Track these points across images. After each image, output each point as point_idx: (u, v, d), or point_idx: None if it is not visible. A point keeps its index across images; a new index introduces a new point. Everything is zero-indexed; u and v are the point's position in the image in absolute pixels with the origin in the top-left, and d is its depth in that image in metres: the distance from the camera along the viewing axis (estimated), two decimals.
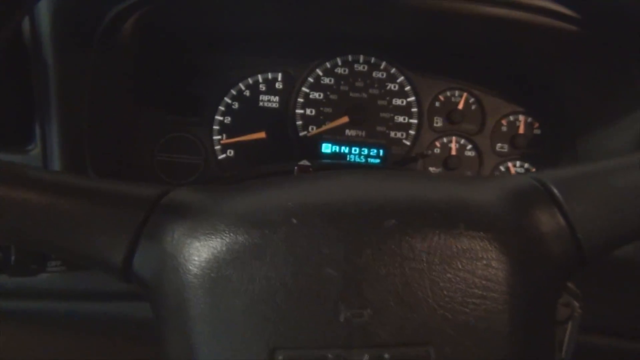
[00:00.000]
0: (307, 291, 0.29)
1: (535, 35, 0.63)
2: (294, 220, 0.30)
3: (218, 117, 0.75)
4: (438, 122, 0.76)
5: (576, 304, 0.51)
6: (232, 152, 0.75)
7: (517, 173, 0.33)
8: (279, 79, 0.76)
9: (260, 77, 0.76)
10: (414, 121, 0.76)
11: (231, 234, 0.30)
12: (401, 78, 0.76)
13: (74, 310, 0.56)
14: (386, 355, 0.29)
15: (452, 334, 0.29)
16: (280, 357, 0.29)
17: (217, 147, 0.75)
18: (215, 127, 0.75)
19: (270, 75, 0.76)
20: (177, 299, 0.31)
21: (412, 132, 0.76)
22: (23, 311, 0.56)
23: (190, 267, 0.30)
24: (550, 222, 0.32)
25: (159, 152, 0.74)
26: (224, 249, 0.30)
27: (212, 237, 0.31)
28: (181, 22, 0.67)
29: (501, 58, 0.73)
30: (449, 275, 0.29)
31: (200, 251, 0.30)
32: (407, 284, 0.29)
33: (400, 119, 0.76)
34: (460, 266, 0.30)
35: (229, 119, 0.75)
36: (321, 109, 0.76)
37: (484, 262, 0.30)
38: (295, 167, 0.53)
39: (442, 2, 0.62)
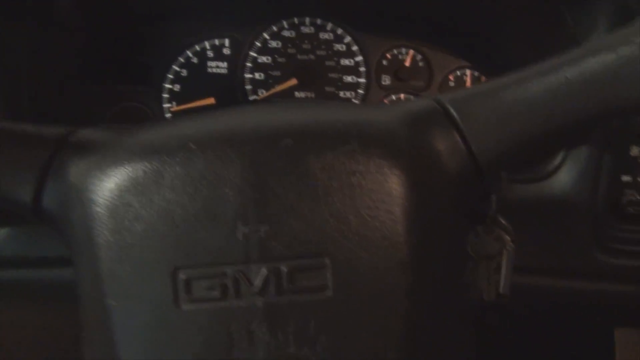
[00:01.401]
0: (204, 211, 0.30)
1: None
2: (192, 145, 0.31)
3: (167, 85, 0.75)
4: (386, 80, 0.77)
5: (507, 237, 0.53)
6: None
7: (419, 98, 0.34)
8: (226, 44, 0.76)
9: (207, 44, 0.76)
10: (362, 80, 0.77)
11: (132, 163, 0.31)
12: (348, 38, 0.77)
13: (20, 278, 0.57)
14: (283, 268, 0.30)
15: (347, 245, 0.30)
16: (182, 276, 0.30)
17: (168, 115, 0.75)
18: (165, 95, 0.75)
19: (217, 41, 0.76)
20: (84, 230, 0.32)
21: (360, 91, 0.77)
22: None
23: (94, 198, 0.31)
24: (446, 139, 0.33)
25: (110, 122, 0.74)
26: (124, 177, 0.31)
27: (114, 167, 0.31)
28: None
29: (445, 13, 0.74)
30: (343, 190, 0.30)
31: (103, 182, 0.31)
32: (302, 199, 0.30)
33: (349, 78, 0.77)
34: (353, 181, 0.31)
35: (178, 86, 0.76)
36: (270, 72, 0.76)
37: (377, 176, 0.31)
38: None
39: None
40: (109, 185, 0.31)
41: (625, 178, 0.62)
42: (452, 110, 0.33)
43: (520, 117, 0.32)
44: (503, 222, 0.52)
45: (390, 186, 0.31)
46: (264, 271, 0.30)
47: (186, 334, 0.30)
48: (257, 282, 0.30)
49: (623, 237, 0.63)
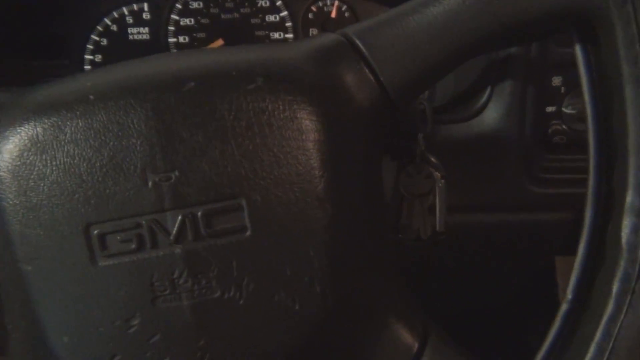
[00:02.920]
0: (111, 163, 0.29)
1: None
2: (91, 97, 0.30)
3: (88, 57, 0.72)
4: (314, 33, 0.76)
5: (438, 174, 0.54)
6: None
7: (324, 32, 0.33)
8: (145, 9, 0.73)
9: (125, 10, 0.73)
10: (290, 36, 0.76)
11: (30, 121, 0.30)
12: None
13: None
14: (199, 213, 0.30)
15: (261, 184, 0.30)
16: (95, 232, 0.29)
17: None
18: (87, 67, 0.72)
19: (135, 7, 0.73)
20: None
21: None
22: None
23: None
24: (354, 71, 0.33)
25: None
26: (23, 136, 0.30)
27: (12, 127, 0.30)
28: None
29: None
30: (252, 129, 0.30)
31: (3, 144, 0.30)
32: (211, 142, 0.30)
33: (276, 35, 0.76)
34: (262, 120, 0.30)
35: (100, 57, 0.73)
36: (194, 35, 0.74)
37: (287, 113, 0.30)
38: None
39: None
40: (8, 147, 0.30)
41: (550, 109, 0.63)
42: (358, 42, 0.33)
43: (423, 43, 0.33)
44: (433, 159, 0.53)
45: (301, 122, 0.31)
46: (179, 218, 0.29)
47: (107, 291, 0.29)
48: (174, 229, 0.29)
49: (552, 166, 0.65)
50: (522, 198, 0.65)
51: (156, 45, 0.74)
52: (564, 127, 0.64)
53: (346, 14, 0.76)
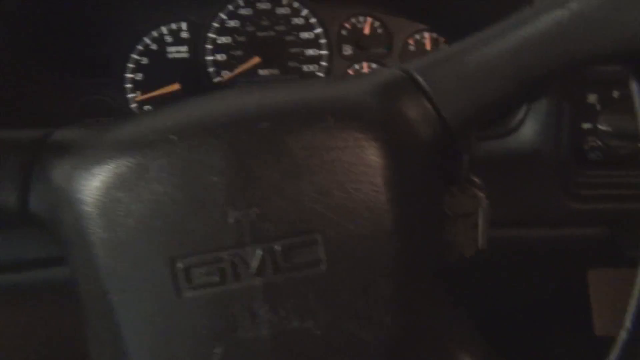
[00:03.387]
0: (194, 200, 0.31)
1: None
2: (173, 137, 0.31)
3: (129, 75, 0.74)
4: (347, 50, 0.78)
5: (482, 195, 0.55)
6: (150, 108, 0.75)
7: (384, 67, 0.35)
8: (184, 28, 0.75)
9: (164, 29, 0.75)
10: (324, 52, 0.77)
11: (115, 159, 0.31)
12: (305, 11, 0.77)
13: (10, 282, 0.57)
14: (277, 247, 0.31)
15: (334, 219, 0.31)
16: (180, 265, 0.31)
17: (133, 105, 0.75)
18: (128, 85, 0.74)
19: (174, 26, 0.75)
20: (76, 229, 0.32)
21: (323, 63, 0.77)
22: None
23: (82, 197, 0.31)
24: (416, 107, 0.34)
25: (75, 117, 0.73)
26: (110, 174, 0.31)
27: (98, 165, 0.32)
28: None
29: None
30: (324, 166, 0.31)
31: (89, 181, 0.32)
32: (286, 179, 0.31)
33: (311, 51, 0.77)
34: (334, 156, 0.32)
35: (141, 75, 0.75)
36: (231, 52, 0.76)
37: (356, 149, 0.32)
38: None
39: None
40: (95, 183, 0.31)
41: (586, 125, 0.64)
42: (418, 78, 0.35)
43: (483, 79, 0.34)
44: (476, 180, 0.54)
45: (369, 158, 0.32)
46: (259, 252, 0.31)
47: (190, 321, 0.31)
48: (254, 263, 0.31)
49: (588, 182, 0.66)
50: (558, 213, 0.66)
51: (194, 63, 0.76)
52: (599, 143, 0.65)
53: (379, 30, 0.78)
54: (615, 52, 0.32)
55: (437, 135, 0.34)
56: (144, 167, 0.31)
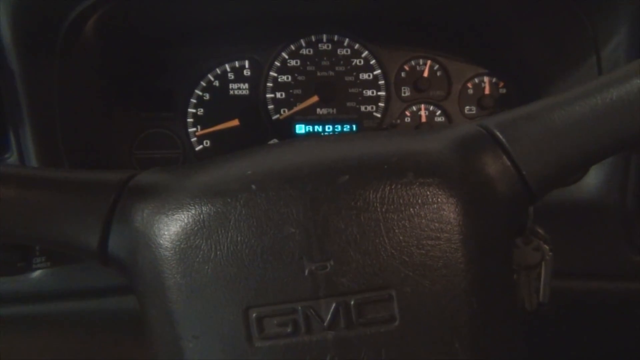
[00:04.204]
0: (271, 250, 0.31)
1: None
2: (253, 187, 0.32)
3: (191, 110, 0.76)
4: (406, 92, 0.78)
5: (546, 247, 0.53)
6: (209, 142, 0.77)
7: (463, 123, 0.35)
8: (247, 66, 0.77)
9: (227, 66, 0.77)
10: (382, 93, 0.78)
11: (196, 206, 0.32)
12: (365, 52, 0.78)
13: (64, 310, 0.58)
14: (351, 302, 0.31)
15: (411, 275, 0.31)
16: (253, 314, 0.31)
17: (193, 139, 0.76)
18: (189, 120, 0.76)
19: (237, 64, 0.77)
20: (153, 273, 0.32)
21: (381, 104, 0.78)
22: (13, 315, 0.58)
23: (162, 242, 0.32)
24: (496, 164, 0.34)
25: (137, 149, 0.75)
26: (190, 220, 0.32)
27: (179, 211, 0.32)
28: (143, 18, 0.68)
29: (459, 22, 0.75)
30: (403, 221, 0.31)
31: (169, 226, 0.32)
32: (364, 233, 0.31)
33: (369, 92, 0.78)
34: (412, 212, 0.31)
35: (202, 110, 0.77)
36: (291, 91, 0.78)
37: (435, 206, 0.32)
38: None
39: None
40: (175, 229, 0.32)
41: None
42: (499, 135, 0.34)
43: (566, 139, 0.33)
44: (541, 232, 0.53)
45: (448, 215, 0.32)
46: (332, 306, 0.31)
47: None
48: (327, 316, 0.31)
49: None
50: (621, 266, 0.64)
51: (254, 100, 0.77)
52: None
53: (438, 73, 0.78)
54: None
55: (516, 194, 0.34)
56: (224, 216, 0.31)
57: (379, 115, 0.78)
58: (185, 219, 0.32)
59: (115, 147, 0.75)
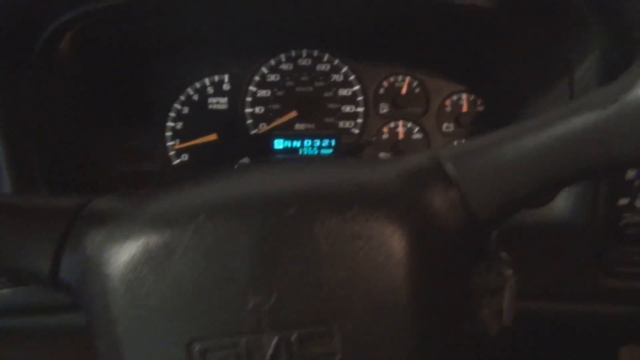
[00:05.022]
0: (216, 283, 0.31)
1: (462, 15, 0.65)
2: (201, 218, 0.32)
3: (169, 124, 0.77)
4: (384, 108, 0.79)
5: (508, 271, 0.54)
6: (187, 156, 0.77)
7: (416, 153, 0.35)
8: (226, 80, 0.78)
9: (207, 81, 0.77)
10: (361, 109, 0.78)
11: (145, 236, 0.32)
12: (345, 68, 0.78)
13: (24, 327, 0.58)
14: (294, 336, 0.31)
15: (353, 310, 0.31)
16: (196, 348, 0.31)
17: (171, 153, 0.77)
18: (168, 134, 0.77)
19: (216, 78, 0.77)
20: (102, 302, 0.33)
21: (359, 120, 0.78)
22: None
23: (110, 272, 0.32)
24: (445, 197, 0.34)
25: (116, 162, 0.76)
26: (139, 250, 0.32)
27: (128, 240, 0.33)
28: (119, 34, 0.68)
29: (438, 40, 0.75)
30: (348, 256, 0.32)
31: (118, 255, 0.33)
32: (309, 267, 0.31)
33: (348, 108, 0.78)
34: (357, 246, 0.32)
35: (181, 124, 0.77)
36: (269, 106, 0.78)
37: (380, 239, 0.32)
38: (235, 167, 0.55)
39: None
40: (123, 258, 0.32)
41: (623, 201, 0.63)
42: (448, 167, 0.35)
43: (514, 174, 0.33)
44: (504, 256, 0.53)
45: (393, 249, 0.32)
46: (275, 340, 0.31)
47: None
48: (269, 350, 0.31)
49: (624, 259, 0.64)
50: (591, 289, 0.64)
51: (233, 114, 0.78)
52: (636, 219, 0.63)
53: (416, 90, 0.78)
54: None
55: (463, 227, 0.34)
56: (171, 246, 0.32)
57: (357, 131, 0.78)
58: (134, 249, 0.32)
59: (95, 160, 0.75)
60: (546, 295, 0.65)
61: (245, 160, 0.56)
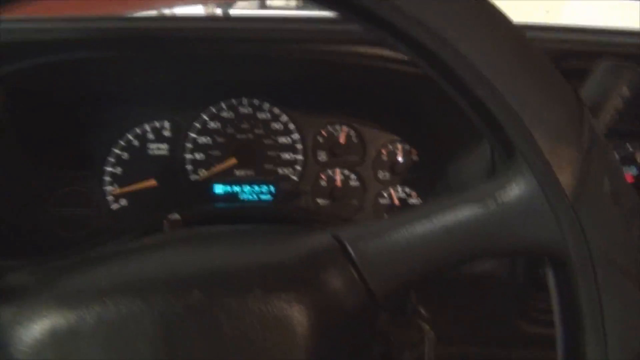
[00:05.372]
0: None
1: (395, 77, 0.69)
2: (105, 299, 0.33)
3: (108, 168, 0.77)
4: (322, 156, 0.81)
5: (426, 326, 0.56)
6: (125, 201, 0.78)
7: (318, 230, 0.37)
8: (167, 127, 0.79)
9: (147, 127, 0.78)
10: (300, 157, 0.80)
11: (50, 318, 0.33)
12: (284, 117, 0.80)
13: None
14: None
15: None
16: None
17: (109, 198, 0.77)
18: (106, 178, 0.77)
19: (157, 124, 0.78)
20: None
21: (298, 167, 0.80)
22: None
23: (14, 353, 0.33)
24: (344, 277, 0.36)
25: (53, 207, 0.76)
26: (43, 332, 0.33)
27: (33, 321, 0.33)
28: (57, 85, 0.69)
29: (373, 95, 0.78)
30: (249, 338, 0.33)
31: (23, 336, 0.33)
32: (212, 351, 0.33)
33: (287, 155, 0.80)
34: (259, 328, 0.33)
35: (120, 169, 0.78)
36: (209, 152, 0.79)
37: (281, 322, 0.34)
38: (164, 222, 0.56)
39: (311, 53, 0.67)
40: (27, 339, 0.33)
41: None
42: (349, 249, 0.37)
43: (407, 258, 0.36)
44: (422, 312, 0.56)
45: (294, 330, 0.34)
46: None
47: None
48: None
49: (541, 306, 0.67)
50: (512, 334, 0.67)
51: (173, 160, 0.79)
52: None
53: (354, 139, 0.81)
54: (528, 250, 0.34)
55: (362, 305, 0.36)
56: (75, 329, 0.33)
57: (295, 179, 0.80)
58: (39, 330, 0.33)
59: (32, 204, 0.75)
60: (470, 341, 0.68)
61: (175, 216, 0.57)
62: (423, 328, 0.56)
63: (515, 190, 0.33)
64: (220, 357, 0.33)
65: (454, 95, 0.36)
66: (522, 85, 0.31)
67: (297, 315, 0.34)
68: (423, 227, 0.36)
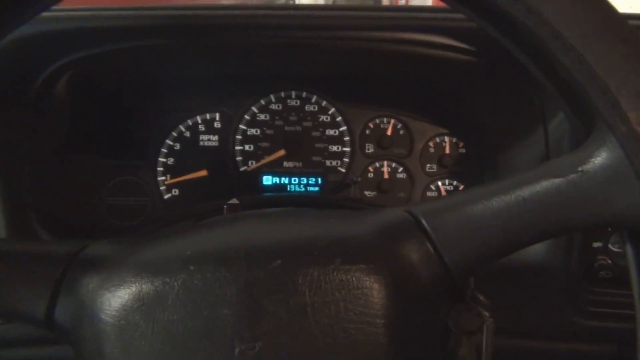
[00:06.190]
0: (204, 330, 0.33)
1: (444, 66, 0.69)
2: (191, 267, 0.34)
3: (161, 159, 0.79)
4: (370, 149, 0.81)
5: (486, 313, 0.56)
6: (177, 191, 0.79)
7: (393, 207, 0.37)
8: (217, 118, 0.80)
9: (199, 118, 0.80)
10: (347, 149, 0.81)
11: (136, 284, 0.34)
12: (332, 110, 0.81)
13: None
14: None
15: (337, 357, 0.33)
16: None
17: (162, 188, 0.79)
18: (159, 169, 0.79)
19: (208, 116, 0.80)
20: (94, 346, 0.34)
21: (346, 159, 0.81)
22: None
23: (103, 317, 0.34)
24: (420, 251, 0.36)
25: (107, 196, 0.77)
26: (130, 297, 0.34)
27: (120, 287, 0.34)
28: (115, 75, 0.71)
29: (422, 87, 0.78)
30: (329, 306, 0.34)
31: (111, 301, 0.34)
32: (292, 316, 0.33)
33: (334, 148, 0.81)
34: (338, 297, 0.34)
35: (172, 159, 0.79)
36: (259, 144, 0.80)
37: (360, 291, 0.34)
38: (225, 206, 0.57)
39: (361, 43, 0.68)
40: (116, 304, 0.34)
41: (596, 244, 0.66)
42: (424, 222, 0.37)
43: (484, 231, 0.36)
44: (482, 298, 0.56)
45: (372, 300, 0.34)
46: None
47: None
48: None
49: (597, 299, 0.66)
50: (566, 328, 0.67)
51: (223, 151, 0.80)
52: (609, 262, 0.66)
53: (401, 132, 0.82)
54: (608, 222, 0.34)
55: (438, 279, 0.37)
56: (162, 295, 0.34)
57: (343, 170, 0.81)
58: (126, 296, 0.34)
59: (87, 194, 0.77)
60: (524, 334, 0.67)
61: (234, 201, 0.58)
62: (482, 315, 0.56)
63: (598, 160, 0.33)
64: (300, 322, 0.33)
65: (533, 66, 0.36)
66: (610, 54, 0.31)
67: (375, 285, 0.34)
68: (499, 200, 0.36)
